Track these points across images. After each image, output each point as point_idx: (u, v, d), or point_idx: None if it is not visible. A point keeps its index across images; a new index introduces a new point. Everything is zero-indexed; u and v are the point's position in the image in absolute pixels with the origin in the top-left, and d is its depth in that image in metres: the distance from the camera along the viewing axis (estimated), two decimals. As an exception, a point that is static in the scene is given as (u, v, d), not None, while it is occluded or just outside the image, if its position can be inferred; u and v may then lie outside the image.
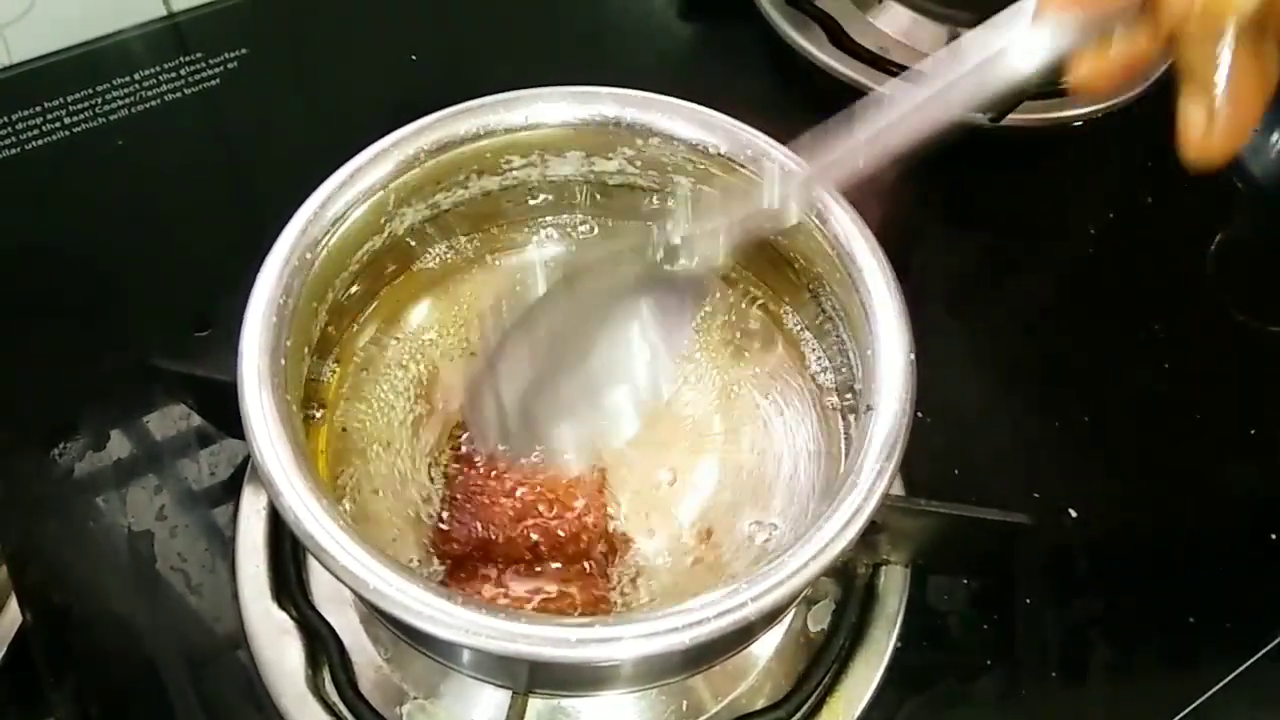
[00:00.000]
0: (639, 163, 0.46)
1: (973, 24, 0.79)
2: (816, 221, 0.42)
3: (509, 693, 0.44)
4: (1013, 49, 0.32)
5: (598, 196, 0.49)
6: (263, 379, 0.37)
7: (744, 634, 0.38)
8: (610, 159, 0.47)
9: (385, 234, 0.45)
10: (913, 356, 0.38)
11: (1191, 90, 0.30)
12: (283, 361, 0.38)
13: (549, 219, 0.51)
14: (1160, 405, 0.60)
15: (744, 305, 0.49)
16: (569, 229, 0.51)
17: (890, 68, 0.69)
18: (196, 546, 0.52)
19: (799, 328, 0.48)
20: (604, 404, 0.43)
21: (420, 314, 0.49)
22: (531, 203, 0.49)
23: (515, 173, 0.47)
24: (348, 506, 0.44)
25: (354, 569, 0.33)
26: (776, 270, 0.47)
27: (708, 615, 0.33)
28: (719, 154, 0.44)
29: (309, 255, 0.40)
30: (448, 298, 0.49)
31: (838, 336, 0.44)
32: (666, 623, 0.33)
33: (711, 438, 0.46)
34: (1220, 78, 0.29)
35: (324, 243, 0.41)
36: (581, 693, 0.46)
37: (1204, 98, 0.30)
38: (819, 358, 0.47)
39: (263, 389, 0.36)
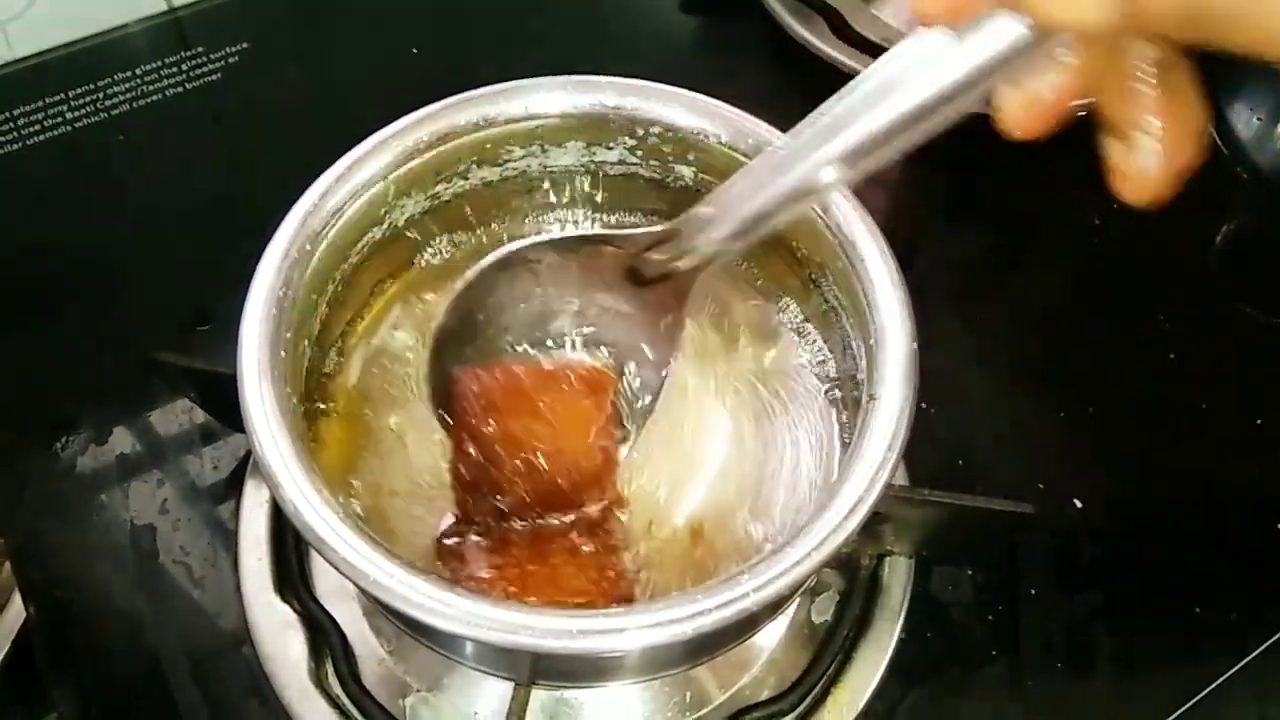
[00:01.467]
0: (640, 152, 0.46)
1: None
2: (818, 209, 0.41)
3: (512, 684, 0.44)
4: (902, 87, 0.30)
5: (599, 186, 0.49)
6: (262, 371, 0.37)
7: (747, 624, 0.38)
8: (611, 149, 0.46)
9: (385, 225, 0.45)
10: (915, 345, 0.38)
11: (1112, 133, 0.29)
12: (282, 353, 0.38)
13: (550, 209, 0.50)
14: (1165, 397, 0.59)
15: (745, 295, 0.49)
16: (570, 220, 0.51)
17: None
18: (199, 540, 0.52)
19: (801, 318, 0.47)
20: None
21: (425, 308, 0.49)
22: (532, 193, 0.49)
23: (515, 163, 0.47)
24: (353, 500, 0.44)
25: (354, 560, 0.33)
26: (779, 259, 0.47)
27: (710, 606, 0.32)
28: (720, 142, 0.44)
29: (308, 247, 0.40)
30: (449, 289, 0.49)
31: (840, 326, 0.44)
32: (669, 613, 0.32)
33: (713, 430, 0.46)
34: (1141, 118, 0.28)
35: (323, 234, 0.41)
36: (584, 683, 0.46)
37: (1126, 139, 0.29)
38: (820, 348, 0.46)
39: (262, 381, 0.36)
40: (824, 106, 0.32)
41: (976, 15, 0.27)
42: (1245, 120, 0.71)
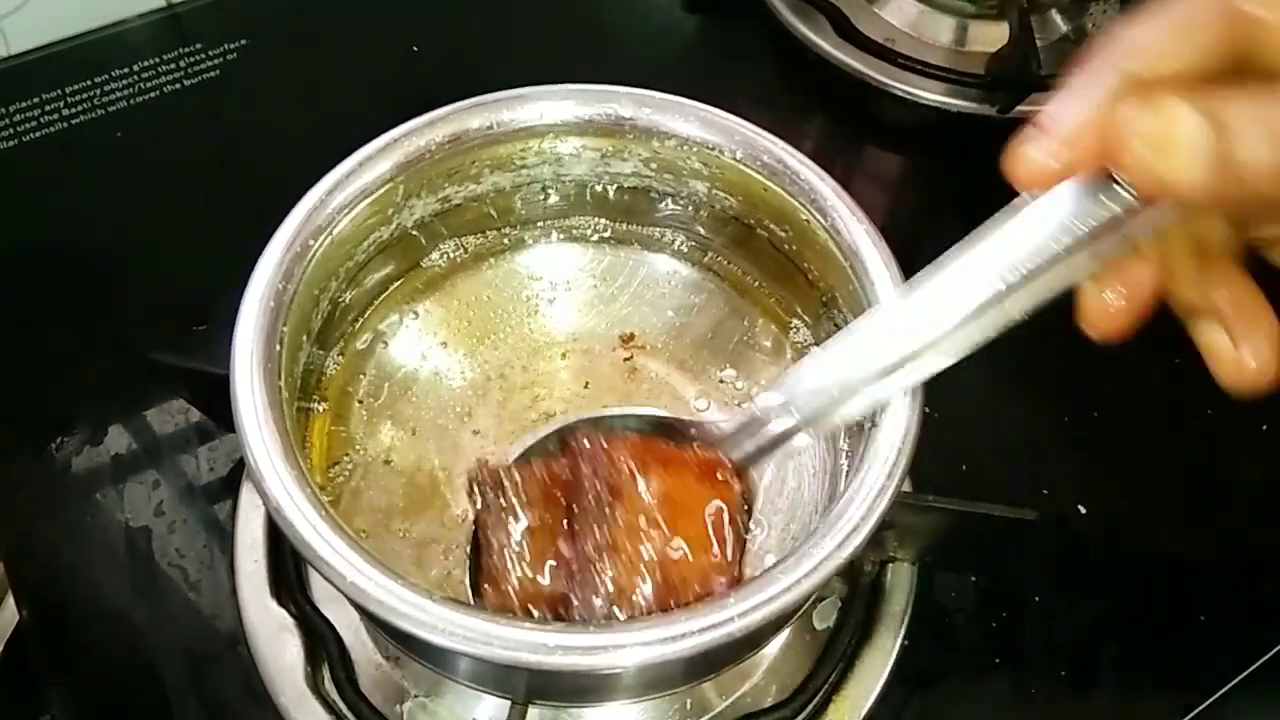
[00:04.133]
0: (654, 165, 0.46)
1: (977, 15, 0.78)
2: (831, 232, 0.41)
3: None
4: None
5: (612, 198, 0.48)
6: (255, 360, 0.36)
7: (741, 645, 0.36)
8: (625, 160, 0.46)
9: (393, 225, 0.45)
10: None
11: (1199, 323, 0.31)
12: (278, 346, 0.37)
13: (562, 219, 0.50)
14: (1171, 401, 0.59)
15: (755, 318, 0.48)
16: (583, 230, 0.50)
17: (897, 59, 0.69)
18: (195, 543, 0.52)
19: (810, 340, 0.47)
20: None
21: (429, 312, 0.48)
22: (545, 202, 0.49)
23: (528, 170, 0.46)
24: (337, 496, 0.43)
25: (349, 574, 0.32)
26: (790, 282, 0.46)
27: (692, 629, 0.31)
28: (735, 158, 0.43)
29: (312, 242, 0.40)
30: (457, 296, 0.49)
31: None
32: (654, 633, 0.31)
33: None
34: (1223, 302, 0.30)
35: (328, 230, 0.40)
36: (581, 704, 0.45)
37: (1217, 325, 0.30)
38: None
39: (254, 370, 0.36)
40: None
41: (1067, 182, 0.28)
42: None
